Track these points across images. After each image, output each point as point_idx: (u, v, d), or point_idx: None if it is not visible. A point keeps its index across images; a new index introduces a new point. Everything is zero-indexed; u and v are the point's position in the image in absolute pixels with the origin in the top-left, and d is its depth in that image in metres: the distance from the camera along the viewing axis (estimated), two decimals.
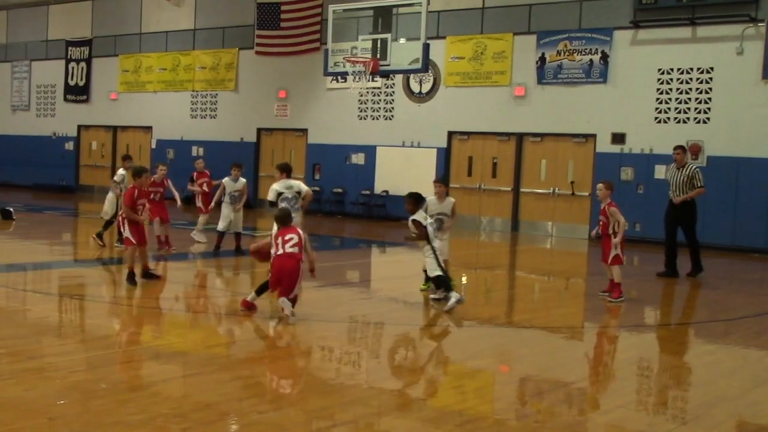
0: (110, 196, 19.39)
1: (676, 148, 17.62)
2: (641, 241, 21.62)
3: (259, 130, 32.42)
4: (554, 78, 25.22)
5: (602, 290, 14.19)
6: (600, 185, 14.10)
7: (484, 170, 27.03)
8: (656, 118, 23.52)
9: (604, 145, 24.28)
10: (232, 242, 18.30)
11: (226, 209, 18.58)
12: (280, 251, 11.50)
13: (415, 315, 13.05)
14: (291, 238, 11.60)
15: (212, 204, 19.92)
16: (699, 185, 16.96)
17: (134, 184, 14.33)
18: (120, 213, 15.39)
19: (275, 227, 12.06)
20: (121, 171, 19.79)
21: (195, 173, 21.14)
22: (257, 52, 31.72)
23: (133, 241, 13.82)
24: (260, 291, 11.80)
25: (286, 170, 14.76)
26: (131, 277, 13.63)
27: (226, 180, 18.81)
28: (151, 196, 17.41)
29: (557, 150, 25.65)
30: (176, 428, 6.88)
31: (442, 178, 16.39)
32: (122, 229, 14.54)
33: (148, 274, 14.11)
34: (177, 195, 19.79)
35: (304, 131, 31.05)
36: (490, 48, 26.47)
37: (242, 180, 18.91)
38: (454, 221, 14.40)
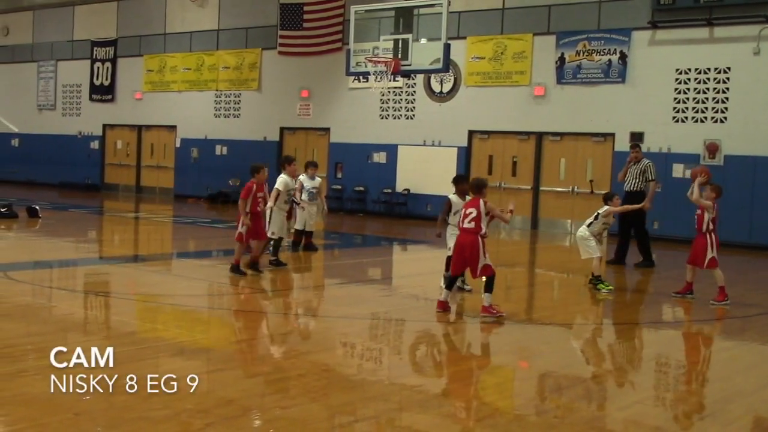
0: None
1: (633, 146, 19.08)
2: (660, 239, 21.82)
3: (282, 129, 32.67)
4: (573, 78, 25.48)
5: (675, 291, 14.24)
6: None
7: (504, 169, 27.29)
8: (674, 117, 23.75)
9: (623, 144, 24.38)
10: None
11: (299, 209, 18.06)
12: (462, 225, 11.75)
13: (435, 311, 13.06)
14: (470, 213, 11.69)
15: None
16: (651, 178, 18.40)
17: (253, 179, 14.59)
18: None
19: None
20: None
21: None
22: (280, 52, 32.05)
23: (243, 236, 14.41)
24: (450, 285, 12.02)
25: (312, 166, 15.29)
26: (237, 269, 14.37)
27: (302, 177, 18.15)
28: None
29: (576, 149, 25.91)
30: (200, 423, 6.95)
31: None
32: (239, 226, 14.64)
33: (254, 266, 14.62)
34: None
35: (327, 130, 31.32)
36: (510, 48, 26.73)
37: (318, 178, 18.56)
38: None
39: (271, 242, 15.91)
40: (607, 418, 7.95)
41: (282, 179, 16.33)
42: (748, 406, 8.39)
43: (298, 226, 18.17)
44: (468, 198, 13.46)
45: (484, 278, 11.76)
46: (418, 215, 28.00)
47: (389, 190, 29.28)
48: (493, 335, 11.47)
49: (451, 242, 13.08)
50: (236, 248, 14.57)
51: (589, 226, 14.80)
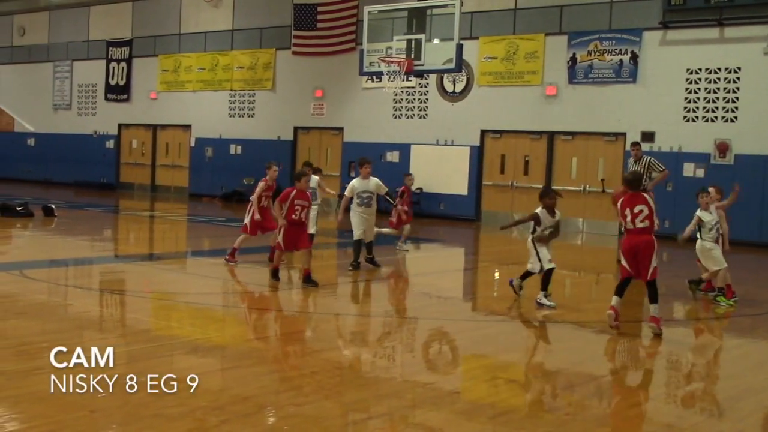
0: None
1: (633, 144, 19.15)
2: (671, 237, 21.87)
3: (296, 129, 32.83)
4: (585, 78, 25.59)
5: (701, 289, 14.31)
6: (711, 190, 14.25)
7: (516, 168, 27.42)
8: (685, 117, 23.85)
9: None
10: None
11: (356, 216, 16.27)
12: (630, 226, 10.90)
13: (448, 309, 13.21)
14: (641, 211, 10.84)
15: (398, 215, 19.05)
16: (661, 169, 18.55)
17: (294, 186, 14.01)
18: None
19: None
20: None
21: (405, 188, 19.50)
22: (294, 53, 32.20)
23: (281, 245, 13.82)
24: (621, 291, 11.25)
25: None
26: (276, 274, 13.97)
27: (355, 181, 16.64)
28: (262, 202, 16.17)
29: (588, 148, 26.03)
30: (214, 420, 6.98)
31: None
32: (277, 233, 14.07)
33: (308, 279, 13.66)
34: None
35: (340, 130, 31.47)
36: (522, 48, 26.86)
37: (374, 180, 16.42)
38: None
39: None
40: (619, 415, 8.00)
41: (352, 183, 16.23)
42: (759, 403, 8.45)
43: (355, 236, 16.47)
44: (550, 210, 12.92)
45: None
46: (431, 214, 28.14)
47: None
48: (506, 333, 11.55)
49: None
50: (276, 254, 14.16)
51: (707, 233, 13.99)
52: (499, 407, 7.83)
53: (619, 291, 11.16)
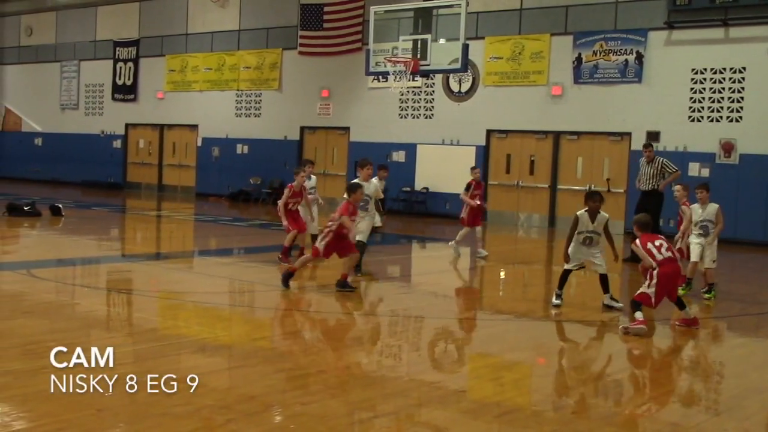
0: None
1: (646, 145, 18.97)
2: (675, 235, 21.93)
3: (302, 129, 32.90)
4: (590, 78, 25.64)
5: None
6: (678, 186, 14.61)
7: (522, 167, 27.47)
8: (690, 116, 23.91)
9: (639, 143, 24.32)
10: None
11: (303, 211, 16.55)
12: (660, 257, 11.15)
13: (454, 309, 13.31)
14: (661, 244, 11.23)
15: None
16: (673, 170, 18.34)
17: (350, 199, 13.47)
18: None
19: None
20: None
21: (473, 181, 18.71)
22: (300, 53, 32.31)
23: (320, 252, 13.28)
24: (681, 304, 11.55)
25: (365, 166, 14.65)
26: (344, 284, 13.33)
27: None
28: (290, 206, 16.24)
29: (593, 148, 26.08)
30: (221, 419, 6.97)
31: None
32: (319, 237, 13.54)
33: (344, 285, 13.32)
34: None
35: (347, 129, 31.55)
36: (527, 48, 26.92)
37: (374, 183, 15.55)
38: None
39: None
40: (624, 414, 8.00)
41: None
42: (763, 402, 8.46)
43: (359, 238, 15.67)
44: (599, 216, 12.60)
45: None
46: (436, 213, 28.22)
47: (408, 189, 29.50)
48: (511, 332, 11.57)
49: None
50: (344, 263, 13.44)
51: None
52: (505, 406, 7.86)
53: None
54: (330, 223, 13.23)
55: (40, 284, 13.32)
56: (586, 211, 12.57)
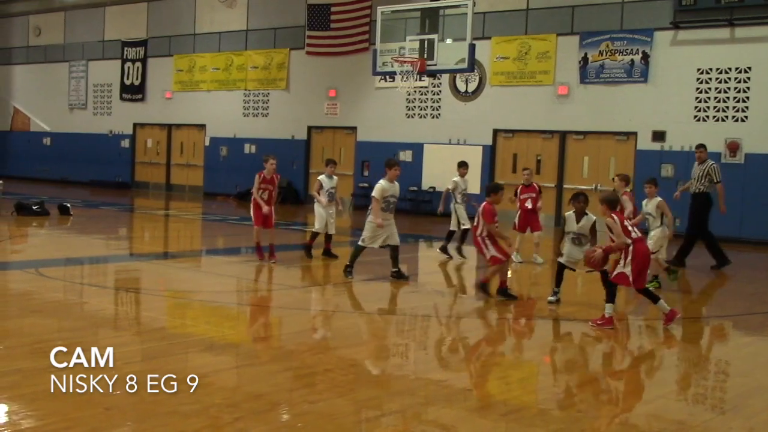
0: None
1: (699, 146, 18.67)
2: (681, 236, 21.92)
3: (309, 128, 32.99)
4: (596, 77, 25.69)
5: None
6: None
7: (529, 167, 27.43)
8: (695, 116, 23.94)
9: (645, 143, 24.73)
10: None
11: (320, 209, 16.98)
12: (634, 234, 11.35)
13: (460, 308, 13.37)
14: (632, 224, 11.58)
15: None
16: (716, 180, 18.03)
17: (491, 200, 13.50)
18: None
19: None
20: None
21: (521, 186, 18.71)
22: (308, 52, 32.38)
23: (501, 258, 13.30)
24: (611, 298, 11.53)
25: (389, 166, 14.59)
26: (485, 288, 13.39)
27: (322, 177, 17.10)
28: (260, 192, 16.50)
29: (599, 147, 26.12)
30: (229, 417, 7.02)
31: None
32: (484, 249, 13.40)
33: (505, 293, 13.31)
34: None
35: (354, 129, 31.64)
36: (534, 48, 26.97)
37: (335, 177, 17.23)
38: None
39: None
40: (630, 412, 8.09)
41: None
42: None
43: (318, 227, 17.00)
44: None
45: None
46: (443, 212, 28.17)
47: (415, 188, 29.55)
48: (518, 331, 11.69)
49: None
50: (494, 270, 13.45)
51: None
52: (511, 404, 7.90)
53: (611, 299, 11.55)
54: (479, 231, 13.39)
55: (49, 283, 13.41)
56: (573, 212, 12.84)
